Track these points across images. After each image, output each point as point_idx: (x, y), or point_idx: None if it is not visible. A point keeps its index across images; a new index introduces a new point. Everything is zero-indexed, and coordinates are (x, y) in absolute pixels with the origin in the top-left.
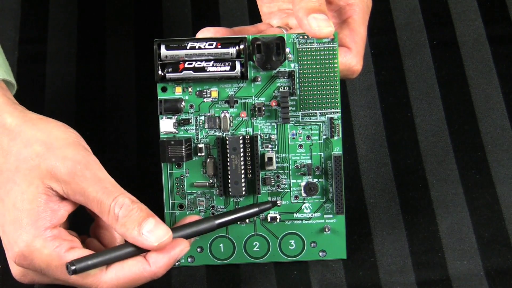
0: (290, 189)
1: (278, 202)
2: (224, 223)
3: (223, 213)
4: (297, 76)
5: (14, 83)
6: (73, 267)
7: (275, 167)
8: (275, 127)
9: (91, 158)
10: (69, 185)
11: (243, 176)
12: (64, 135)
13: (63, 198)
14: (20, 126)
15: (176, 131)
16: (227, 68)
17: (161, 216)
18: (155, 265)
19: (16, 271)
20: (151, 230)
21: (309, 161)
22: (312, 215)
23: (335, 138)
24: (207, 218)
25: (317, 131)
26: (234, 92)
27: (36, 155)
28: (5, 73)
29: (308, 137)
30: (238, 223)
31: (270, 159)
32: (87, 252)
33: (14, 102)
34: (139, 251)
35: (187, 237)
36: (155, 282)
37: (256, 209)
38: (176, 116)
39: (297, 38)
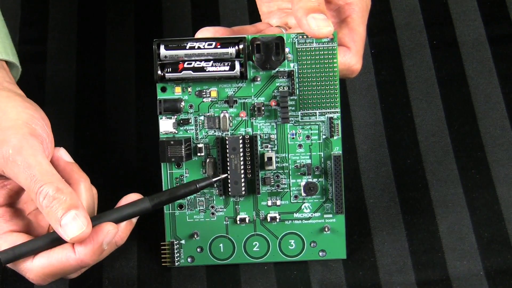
0: (289, 189)
1: (221, 175)
2: (159, 204)
3: (158, 194)
4: (297, 75)
5: (15, 63)
6: None
7: (274, 167)
8: (275, 127)
9: (29, 143)
10: (4, 169)
11: (242, 176)
12: (17, 116)
13: (6, 178)
14: None
15: (176, 131)
16: (227, 68)
17: (161, 216)
18: (80, 252)
19: None
20: (68, 223)
21: (309, 161)
22: (312, 215)
23: (335, 137)
24: (141, 199)
25: (317, 131)
26: (234, 92)
27: None
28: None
29: (308, 136)
30: (238, 223)
31: (270, 159)
32: (22, 239)
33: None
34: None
35: (117, 221)
36: (155, 282)
37: (193, 187)
38: (175, 116)
39: (297, 38)
